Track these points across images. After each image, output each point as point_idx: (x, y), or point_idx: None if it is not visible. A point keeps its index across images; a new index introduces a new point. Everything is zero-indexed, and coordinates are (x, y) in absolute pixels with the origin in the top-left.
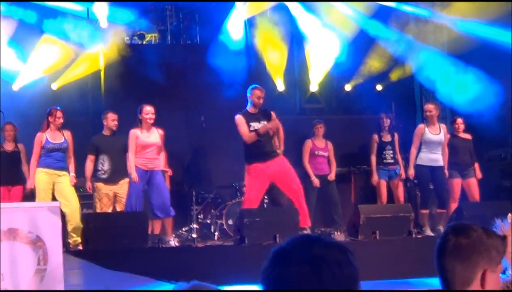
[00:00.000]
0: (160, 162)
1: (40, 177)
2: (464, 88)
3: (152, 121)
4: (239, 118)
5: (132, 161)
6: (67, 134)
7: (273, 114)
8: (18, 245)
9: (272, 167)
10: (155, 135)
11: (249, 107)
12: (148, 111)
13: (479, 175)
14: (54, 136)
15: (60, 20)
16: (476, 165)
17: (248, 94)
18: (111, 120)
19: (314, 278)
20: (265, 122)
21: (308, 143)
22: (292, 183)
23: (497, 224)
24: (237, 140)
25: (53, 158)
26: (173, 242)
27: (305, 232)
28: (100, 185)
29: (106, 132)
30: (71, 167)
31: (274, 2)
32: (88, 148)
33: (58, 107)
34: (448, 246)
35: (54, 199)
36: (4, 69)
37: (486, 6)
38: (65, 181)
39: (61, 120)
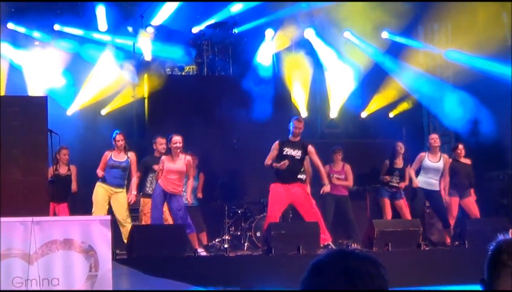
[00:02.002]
0: (181, 188)
1: (98, 190)
2: (467, 115)
3: (179, 150)
4: (275, 144)
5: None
6: (131, 155)
7: (310, 148)
8: (73, 253)
9: (293, 190)
10: (181, 163)
11: (290, 136)
12: (176, 140)
13: (473, 197)
14: (118, 155)
15: (109, 53)
16: (472, 190)
17: (290, 124)
18: (159, 144)
19: (349, 289)
20: (299, 152)
21: (325, 168)
22: (311, 208)
23: (499, 239)
24: (262, 161)
25: (112, 174)
26: (202, 253)
27: (329, 247)
28: (146, 200)
29: (156, 154)
30: (133, 185)
31: (298, 37)
32: (139, 166)
33: (118, 131)
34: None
35: (109, 211)
36: (59, 95)
37: (486, 42)
38: (121, 198)
39: (121, 143)
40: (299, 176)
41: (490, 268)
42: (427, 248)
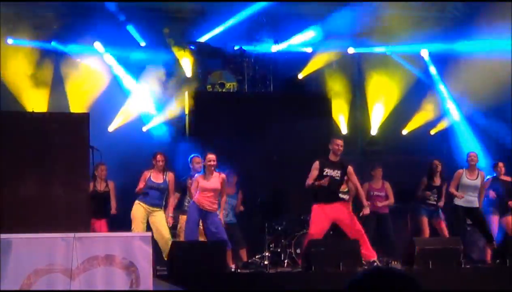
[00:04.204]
0: (216, 206)
1: (137, 208)
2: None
3: (213, 167)
4: (315, 164)
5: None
6: (169, 176)
7: (349, 168)
8: (114, 269)
9: (335, 209)
10: (215, 181)
11: (330, 155)
12: (210, 158)
13: None
14: (157, 176)
15: (151, 70)
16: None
17: (330, 143)
18: (196, 163)
19: None
20: (338, 172)
21: (365, 186)
22: (354, 225)
23: None
24: (304, 178)
25: (150, 195)
26: (233, 269)
27: (374, 264)
28: (184, 217)
29: (192, 173)
30: (170, 206)
31: (340, 55)
32: (176, 186)
33: (159, 152)
34: None
35: (148, 228)
36: (102, 112)
37: None
38: (159, 216)
39: (161, 163)
40: (340, 196)
41: None
42: (468, 266)
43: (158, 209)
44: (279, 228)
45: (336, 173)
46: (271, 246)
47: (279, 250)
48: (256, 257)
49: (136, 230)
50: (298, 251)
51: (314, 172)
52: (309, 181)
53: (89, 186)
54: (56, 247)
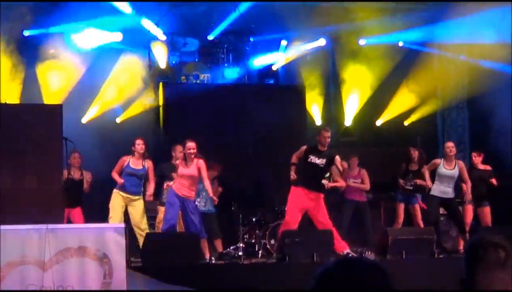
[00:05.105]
0: (194, 193)
1: (115, 197)
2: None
3: (193, 155)
4: (302, 147)
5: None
6: (148, 162)
7: (337, 158)
8: (87, 261)
9: (311, 197)
10: (193, 168)
11: (318, 145)
12: (190, 146)
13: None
14: (136, 162)
15: (124, 61)
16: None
17: (318, 134)
18: (178, 152)
19: None
20: (324, 160)
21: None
22: (323, 219)
23: (473, 237)
24: (277, 169)
25: (129, 182)
26: (207, 260)
27: (350, 255)
28: (163, 208)
29: (173, 161)
30: (151, 188)
31: (313, 46)
32: (155, 173)
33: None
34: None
35: (126, 218)
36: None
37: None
38: (138, 205)
39: (141, 146)
40: (323, 187)
41: (468, 266)
42: (441, 256)
43: (137, 197)
44: (254, 219)
45: (321, 161)
46: (245, 237)
47: (253, 241)
48: (231, 248)
49: (113, 220)
50: (273, 241)
51: (299, 154)
52: (293, 159)
53: (62, 178)
54: (29, 239)
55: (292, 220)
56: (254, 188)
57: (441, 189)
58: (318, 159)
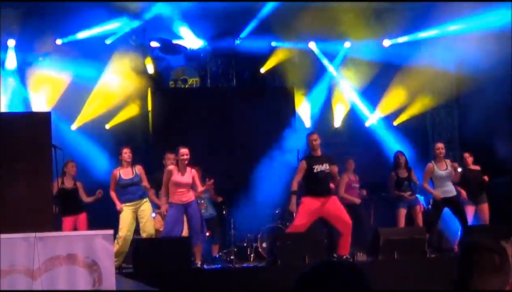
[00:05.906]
0: (193, 193)
1: (125, 214)
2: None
3: (186, 162)
4: (301, 164)
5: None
6: (138, 168)
7: (334, 169)
8: (76, 268)
9: (324, 204)
10: (188, 176)
11: (312, 152)
12: (183, 152)
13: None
14: (126, 172)
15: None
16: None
17: (306, 141)
18: (168, 160)
19: None
20: (326, 164)
21: (345, 178)
22: (344, 217)
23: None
24: (268, 173)
25: (130, 192)
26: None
27: (344, 258)
28: (159, 217)
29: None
30: (156, 199)
31: (301, 48)
32: (150, 183)
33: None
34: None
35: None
36: (64, 111)
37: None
38: (146, 208)
39: (128, 155)
40: (330, 190)
41: (462, 269)
42: (433, 255)
43: (145, 200)
44: (245, 223)
45: (325, 167)
46: (237, 241)
47: (245, 244)
48: (223, 251)
49: (120, 232)
50: (264, 245)
51: (300, 173)
52: (294, 186)
53: (52, 186)
54: (17, 247)
55: (301, 223)
56: (244, 191)
57: (443, 189)
58: (322, 165)
